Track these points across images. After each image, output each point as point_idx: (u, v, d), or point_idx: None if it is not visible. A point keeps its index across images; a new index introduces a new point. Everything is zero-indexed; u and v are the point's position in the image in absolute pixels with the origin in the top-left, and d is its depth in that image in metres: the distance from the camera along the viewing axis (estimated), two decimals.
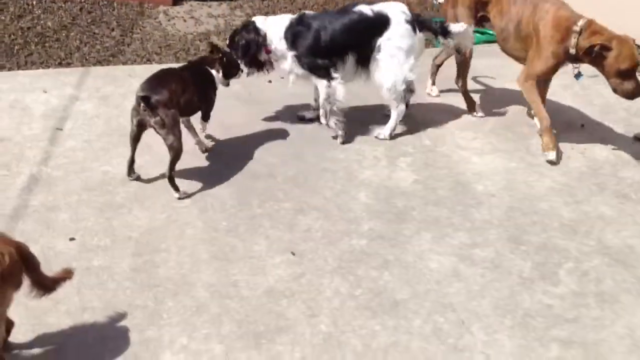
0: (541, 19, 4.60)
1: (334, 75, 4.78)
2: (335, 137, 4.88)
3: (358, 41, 4.78)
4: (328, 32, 4.72)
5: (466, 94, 5.33)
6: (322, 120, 4.88)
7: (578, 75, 4.74)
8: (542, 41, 4.58)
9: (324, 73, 4.78)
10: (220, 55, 4.55)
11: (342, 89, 4.81)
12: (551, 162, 4.60)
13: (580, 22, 4.45)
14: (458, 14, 5.09)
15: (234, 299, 3.41)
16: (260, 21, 4.81)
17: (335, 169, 4.55)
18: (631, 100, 4.57)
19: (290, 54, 4.76)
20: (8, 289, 2.67)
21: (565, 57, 4.57)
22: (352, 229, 3.97)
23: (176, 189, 4.15)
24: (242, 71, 4.75)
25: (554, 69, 4.71)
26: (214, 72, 4.52)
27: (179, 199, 4.14)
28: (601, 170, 4.65)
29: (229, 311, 3.33)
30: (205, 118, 4.62)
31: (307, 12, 4.96)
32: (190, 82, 4.27)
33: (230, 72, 4.62)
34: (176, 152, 4.10)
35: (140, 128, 4.14)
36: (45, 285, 2.87)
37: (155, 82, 4.13)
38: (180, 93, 4.16)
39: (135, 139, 4.20)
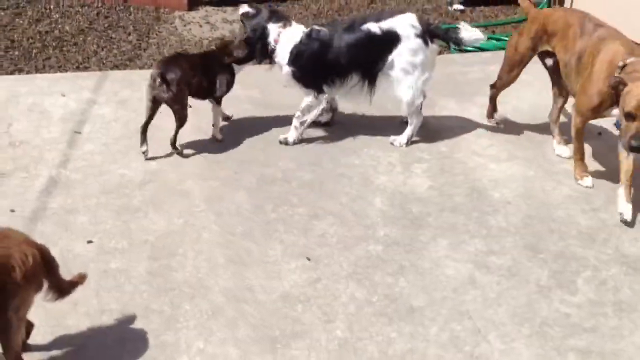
0: (600, 52, 4.19)
1: (324, 90, 4.84)
2: (284, 141, 4.91)
3: (364, 61, 4.79)
4: (332, 55, 4.76)
5: (494, 100, 5.21)
6: (295, 121, 4.91)
7: (618, 124, 4.25)
8: (592, 76, 4.19)
9: (315, 87, 4.84)
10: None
11: (322, 105, 4.92)
12: (589, 187, 4.46)
13: (630, 59, 4.00)
14: (519, 43, 4.78)
15: (250, 303, 3.42)
16: (273, 34, 4.80)
17: (350, 174, 4.55)
18: (632, 153, 4.03)
19: (288, 69, 4.82)
20: (30, 290, 2.70)
21: (609, 97, 4.09)
22: (367, 234, 3.97)
23: (175, 148, 4.65)
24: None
25: (598, 109, 4.23)
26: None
27: (178, 154, 4.64)
28: (619, 178, 4.61)
29: (244, 315, 3.34)
30: (217, 101, 4.86)
31: (316, 27, 4.89)
32: (200, 67, 4.66)
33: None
34: (181, 121, 4.61)
35: (154, 104, 4.54)
36: (63, 288, 2.91)
37: (168, 62, 4.61)
38: (192, 75, 4.58)
39: (151, 115, 4.59)
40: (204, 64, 4.72)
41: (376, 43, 4.76)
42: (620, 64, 4.02)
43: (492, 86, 5.21)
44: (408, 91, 4.81)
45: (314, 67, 4.80)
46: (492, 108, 5.26)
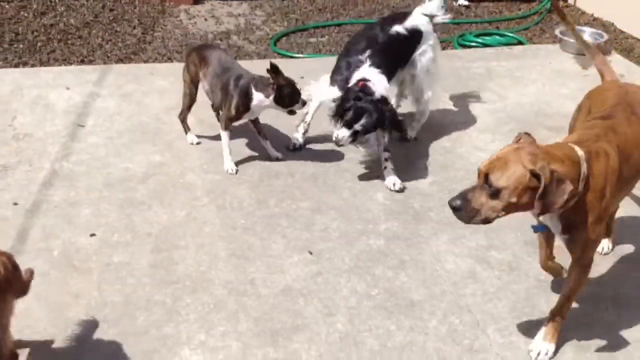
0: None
1: None
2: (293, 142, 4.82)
3: (399, 62, 4.75)
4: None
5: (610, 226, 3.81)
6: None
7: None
8: None
9: None
10: (272, 82, 4.26)
11: None
12: None
13: (567, 142, 3.11)
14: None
15: (252, 297, 3.45)
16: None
17: (353, 169, 4.57)
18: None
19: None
20: (7, 297, 2.67)
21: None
22: (369, 229, 3.99)
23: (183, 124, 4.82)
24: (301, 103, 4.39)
25: None
26: (253, 90, 4.31)
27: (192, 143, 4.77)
28: None
29: (246, 308, 3.37)
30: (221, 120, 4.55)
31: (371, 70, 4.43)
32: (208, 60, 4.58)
33: (283, 102, 4.32)
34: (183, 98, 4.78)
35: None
36: (25, 290, 2.85)
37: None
38: (197, 62, 4.64)
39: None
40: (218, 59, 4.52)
41: (405, 44, 4.71)
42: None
43: None
44: (428, 90, 4.87)
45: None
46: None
